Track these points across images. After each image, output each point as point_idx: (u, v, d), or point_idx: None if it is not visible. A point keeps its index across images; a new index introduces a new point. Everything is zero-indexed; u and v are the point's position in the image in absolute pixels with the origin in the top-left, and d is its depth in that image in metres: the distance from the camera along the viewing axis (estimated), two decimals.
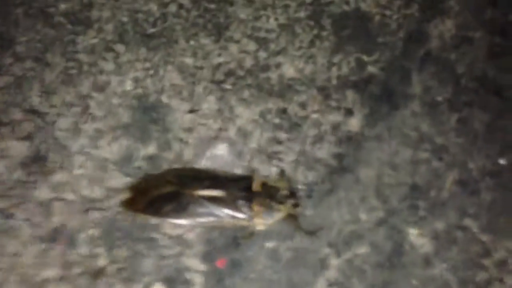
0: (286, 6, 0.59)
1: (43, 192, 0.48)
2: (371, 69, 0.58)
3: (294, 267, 0.45)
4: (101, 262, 0.45)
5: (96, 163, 0.50)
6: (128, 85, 0.55)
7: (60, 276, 0.44)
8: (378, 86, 0.57)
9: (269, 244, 0.46)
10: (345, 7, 0.61)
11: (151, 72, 0.56)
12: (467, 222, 0.48)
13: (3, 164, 0.49)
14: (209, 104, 0.54)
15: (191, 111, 0.54)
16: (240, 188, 0.46)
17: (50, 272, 0.44)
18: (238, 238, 0.46)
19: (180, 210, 0.45)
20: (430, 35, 0.61)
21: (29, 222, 0.46)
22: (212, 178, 0.47)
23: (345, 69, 0.58)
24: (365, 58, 0.58)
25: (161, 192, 0.46)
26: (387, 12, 0.62)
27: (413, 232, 0.47)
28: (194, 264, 0.45)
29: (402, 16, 0.62)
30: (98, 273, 0.44)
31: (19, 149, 0.50)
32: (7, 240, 0.45)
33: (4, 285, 0.43)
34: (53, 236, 0.46)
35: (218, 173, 0.49)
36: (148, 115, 0.53)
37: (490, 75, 0.58)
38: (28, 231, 0.46)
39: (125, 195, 0.47)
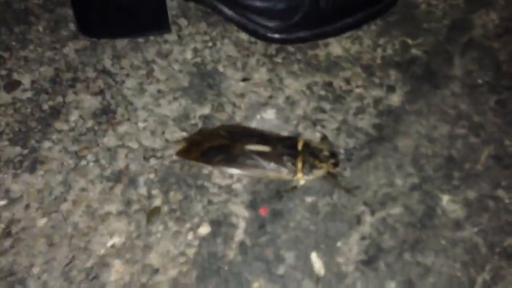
0: None
1: (110, 140, 0.54)
2: (414, 51, 0.61)
3: (330, 221, 0.49)
4: (157, 202, 0.50)
5: (157, 119, 0.55)
6: (188, 54, 0.61)
7: (120, 211, 0.49)
8: (421, 67, 0.60)
9: (309, 199, 0.50)
10: None
11: (210, 44, 0.61)
12: (500, 193, 0.51)
13: (78, 114, 0.56)
14: (261, 74, 0.59)
15: (244, 79, 0.59)
16: (285, 146, 0.51)
17: (112, 207, 0.50)
18: (281, 190, 0.50)
19: (230, 160, 0.50)
20: (474, 24, 0.64)
21: (97, 164, 0.52)
22: (260, 136, 0.52)
23: (389, 51, 0.61)
24: (409, 41, 0.62)
25: (214, 144, 0.51)
26: (433, 1, 0.66)
27: (445, 198, 0.50)
28: (239, 210, 0.49)
29: (447, 5, 0.65)
30: (153, 212, 0.49)
31: (91, 102, 0.57)
32: (77, 177, 0.51)
33: (71, 215, 0.49)
34: (117, 177, 0.51)
35: (266, 132, 0.53)
36: (205, 80, 0.58)
37: None
38: (96, 171, 0.52)
39: (181, 146, 0.52)
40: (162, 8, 0.56)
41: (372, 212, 0.50)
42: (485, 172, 0.52)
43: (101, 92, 0.57)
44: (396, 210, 0.50)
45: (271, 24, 0.56)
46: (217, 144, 0.51)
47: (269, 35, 0.57)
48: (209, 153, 0.51)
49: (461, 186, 0.51)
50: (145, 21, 0.57)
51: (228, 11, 0.57)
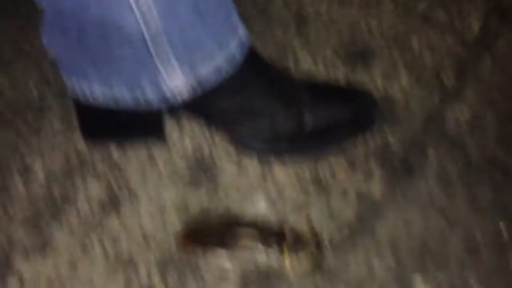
0: None
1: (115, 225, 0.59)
2: (393, 145, 0.67)
3: None
4: (155, 281, 0.55)
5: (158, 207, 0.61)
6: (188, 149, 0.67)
7: None
8: (399, 160, 0.66)
9: (295, 279, 0.55)
10: (374, 92, 0.73)
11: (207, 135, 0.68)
12: (467, 274, 0.56)
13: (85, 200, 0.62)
14: (253, 166, 0.65)
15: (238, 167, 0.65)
16: (273, 233, 0.56)
17: (115, 287, 0.55)
18: (269, 271, 0.55)
19: (222, 242, 0.55)
20: (447, 118, 0.70)
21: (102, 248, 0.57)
22: (252, 225, 0.57)
23: (371, 144, 0.67)
24: (389, 135, 0.68)
25: (208, 229, 0.57)
26: (410, 97, 0.73)
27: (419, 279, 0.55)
28: None
29: (422, 101, 0.72)
30: None
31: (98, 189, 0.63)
32: (83, 258, 0.56)
33: None
34: (119, 260, 0.56)
35: (257, 221, 0.59)
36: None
37: (499, 157, 0.66)
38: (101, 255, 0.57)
39: (179, 234, 0.57)
40: (160, 120, 0.63)
41: None
42: (455, 256, 0.57)
43: (106, 178, 0.63)
44: None
45: (258, 145, 0.63)
46: (211, 230, 0.56)
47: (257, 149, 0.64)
48: (203, 238, 0.56)
49: (432, 270, 0.56)
50: (142, 130, 0.64)
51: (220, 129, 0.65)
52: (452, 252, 0.57)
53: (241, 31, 0.58)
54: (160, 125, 0.63)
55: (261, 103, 0.60)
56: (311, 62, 0.75)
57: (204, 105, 0.59)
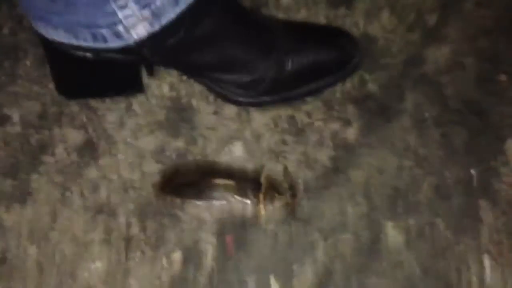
0: None
1: (92, 172, 0.60)
2: (370, 86, 0.67)
3: (288, 247, 0.56)
4: (135, 230, 0.57)
5: (135, 152, 0.61)
6: (165, 89, 0.66)
7: (103, 239, 0.56)
8: (375, 102, 0.66)
9: (270, 227, 0.57)
10: (354, 30, 0.71)
11: (184, 78, 0.67)
12: (437, 221, 0.58)
13: (63, 147, 0.62)
14: (230, 108, 0.65)
15: (215, 112, 0.65)
16: (249, 180, 0.57)
17: (95, 235, 0.56)
18: (245, 221, 0.57)
19: (199, 195, 0.57)
20: (427, 59, 0.70)
21: (81, 195, 0.58)
22: (227, 170, 0.58)
23: (348, 85, 0.67)
24: (367, 76, 0.68)
25: (185, 179, 0.58)
26: (391, 36, 0.72)
27: (389, 225, 0.57)
28: (208, 238, 0.56)
29: (404, 41, 0.71)
30: (131, 239, 0.56)
31: (75, 136, 0.62)
32: (63, 208, 0.58)
33: (59, 244, 0.55)
34: (99, 208, 0.58)
35: (233, 167, 0.60)
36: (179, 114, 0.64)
37: (475, 98, 0.67)
38: (79, 202, 0.58)
39: (156, 180, 0.58)
40: (137, 73, 0.61)
41: (325, 239, 0.57)
42: (425, 202, 0.59)
43: (83, 126, 0.63)
44: (345, 237, 0.57)
45: (238, 91, 0.62)
46: (187, 180, 0.57)
47: (235, 98, 0.63)
48: (180, 188, 0.57)
49: (403, 214, 0.58)
50: (120, 85, 0.62)
51: (197, 78, 0.63)
52: (423, 197, 0.59)
53: None
54: (138, 78, 0.62)
55: (237, 54, 0.58)
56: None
57: (177, 59, 0.58)
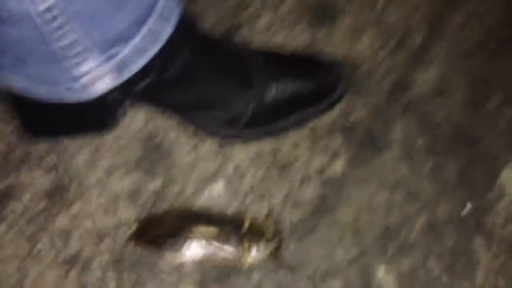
0: None
1: (64, 221, 0.56)
2: (358, 114, 0.64)
3: None
4: (111, 285, 0.53)
5: (109, 195, 0.57)
6: (140, 121, 0.62)
7: None
8: (363, 131, 0.63)
9: (256, 276, 0.54)
10: (338, 52, 0.68)
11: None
12: (430, 263, 0.55)
13: (31, 193, 0.57)
14: (210, 144, 0.61)
15: (194, 147, 0.61)
16: (231, 227, 0.54)
17: None
18: (229, 270, 0.54)
19: (179, 244, 0.53)
20: (414, 82, 0.66)
21: (52, 247, 0.54)
22: (208, 217, 0.55)
23: (335, 112, 0.64)
24: (354, 102, 0.64)
25: (163, 229, 0.54)
26: (376, 59, 0.68)
27: (381, 269, 0.54)
28: None
29: (390, 63, 0.68)
30: None
31: (44, 180, 0.58)
32: (33, 262, 0.54)
33: None
34: (72, 260, 0.54)
35: (213, 213, 0.56)
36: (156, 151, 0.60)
37: (466, 123, 0.64)
38: (51, 255, 0.54)
39: (132, 230, 0.54)
40: (109, 108, 0.56)
41: (314, 287, 0.54)
42: (418, 242, 0.56)
43: (53, 168, 0.59)
44: (336, 284, 0.54)
45: (218, 127, 0.58)
46: (165, 229, 0.53)
47: (216, 131, 0.59)
48: (158, 238, 0.53)
49: (396, 257, 0.55)
50: (91, 121, 0.58)
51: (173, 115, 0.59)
52: (415, 237, 0.56)
53: (161, 2, 0.47)
54: (110, 112, 0.57)
55: (213, 92, 0.54)
56: (269, 20, 0.68)
57: (149, 99, 0.54)
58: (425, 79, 0.67)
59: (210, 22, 0.67)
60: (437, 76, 0.67)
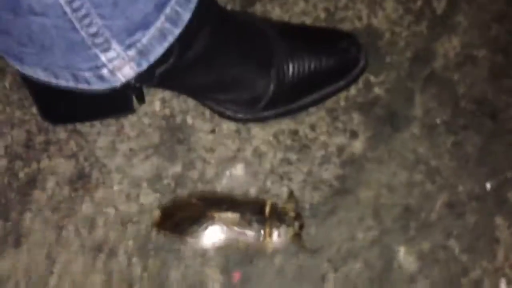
0: None
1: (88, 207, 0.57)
2: (377, 90, 0.63)
3: (297, 281, 0.54)
4: (137, 271, 0.54)
5: (131, 181, 0.58)
6: (157, 106, 0.62)
7: (104, 281, 0.54)
8: (382, 108, 0.62)
9: (277, 260, 0.55)
10: (357, 23, 0.66)
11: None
12: (451, 243, 0.56)
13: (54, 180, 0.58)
14: (228, 124, 0.61)
15: (212, 131, 0.61)
16: (253, 211, 0.54)
17: (96, 278, 0.54)
18: (252, 254, 0.55)
19: (201, 231, 0.54)
20: (436, 53, 0.65)
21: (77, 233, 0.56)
22: (230, 201, 0.55)
23: (353, 91, 0.63)
24: (372, 79, 0.63)
25: (185, 214, 0.54)
26: (397, 29, 0.66)
27: (402, 250, 0.55)
28: (214, 275, 0.54)
29: (411, 33, 0.66)
30: (133, 281, 0.54)
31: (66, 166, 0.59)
32: (60, 249, 0.55)
33: None
34: (98, 248, 0.55)
35: (234, 196, 0.56)
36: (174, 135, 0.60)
37: (488, 96, 0.62)
38: (77, 242, 0.55)
39: (154, 217, 0.55)
40: (127, 98, 0.55)
41: (335, 270, 0.54)
42: (438, 221, 0.56)
43: (74, 155, 0.59)
44: (356, 265, 0.55)
45: (236, 108, 0.57)
46: (187, 215, 0.54)
47: (234, 115, 0.58)
48: (181, 224, 0.54)
49: (416, 237, 0.56)
50: (109, 106, 0.57)
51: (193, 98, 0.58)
52: (435, 217, 0.56)
53: None
54: (127, 98, 0.57)
55: (234, 73, 0.54)
56: None
57: (168, 84, 0.53)
58: (447, 49, 0.65)
59: None
60: (459, 46, 0.65)
